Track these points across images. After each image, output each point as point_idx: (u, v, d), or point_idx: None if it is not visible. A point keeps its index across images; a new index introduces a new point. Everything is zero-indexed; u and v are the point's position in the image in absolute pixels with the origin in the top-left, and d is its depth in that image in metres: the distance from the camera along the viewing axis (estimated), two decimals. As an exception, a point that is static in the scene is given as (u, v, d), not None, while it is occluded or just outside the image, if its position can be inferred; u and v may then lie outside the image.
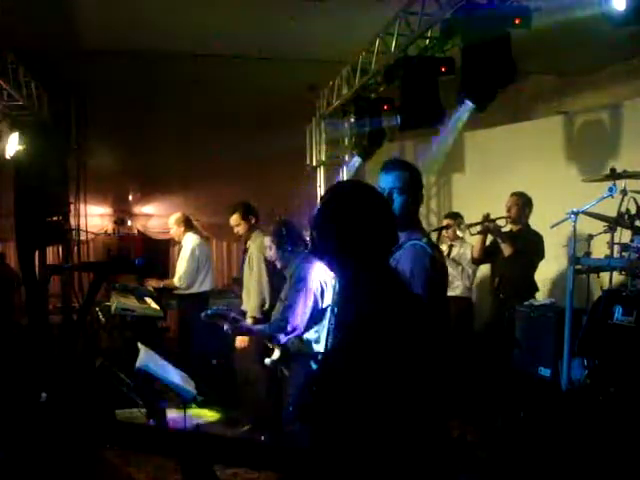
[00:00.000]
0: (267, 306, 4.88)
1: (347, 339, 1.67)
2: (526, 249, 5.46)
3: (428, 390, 1.70)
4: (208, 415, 5.29)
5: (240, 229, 5.19)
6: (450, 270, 5.95)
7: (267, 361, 3.95)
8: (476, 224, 5.81)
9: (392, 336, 1.65)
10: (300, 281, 3.82)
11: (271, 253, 4.11)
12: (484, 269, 6.49)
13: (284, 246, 3.99)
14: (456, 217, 6.14)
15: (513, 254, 5.44)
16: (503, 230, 5.66)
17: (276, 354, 3.87)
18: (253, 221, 5.16)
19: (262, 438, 4.42)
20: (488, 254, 5.77)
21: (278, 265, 4.18)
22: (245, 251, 5.26)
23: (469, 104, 4.79)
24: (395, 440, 1.59)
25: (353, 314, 1.70)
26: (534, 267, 5.55)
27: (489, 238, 5.76)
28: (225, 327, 3.84)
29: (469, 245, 6.05)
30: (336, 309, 2.18)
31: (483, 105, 4.68)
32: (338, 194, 1.87)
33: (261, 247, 4.96)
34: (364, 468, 1.54)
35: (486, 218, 5.63)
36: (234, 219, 5.20)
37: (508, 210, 5.63)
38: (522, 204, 5.60)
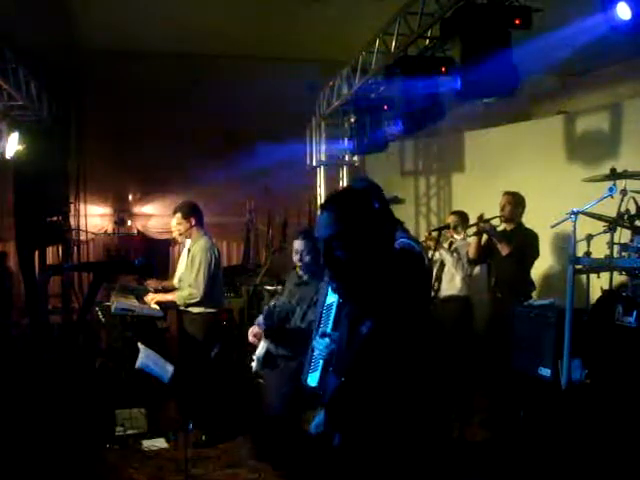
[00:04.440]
0: (196, 300, 5.04)
1: (380, 333, 1.71)
2: (521, 248, 5.49)
3: (442, 388, 1.75)
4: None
5: (181, 228, 5.26)
6: (449, 265, 5.97)
7: (258, 352, 3.95)
8: (471, 225, 5.83)
9: (422, 327, 1.73)
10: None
11: (303, 258, 3.95)
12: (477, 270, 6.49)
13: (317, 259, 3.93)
14: (461, 215, 6.16)
15: (509, 253, 5.46)
16: (498, 229, 5.68)
17: (262, 348, 3.88)
18: (193, 222, 5.21)
19: None
20: (484, 254, 5.79)
21: (301, 272, 4.03)
22: (188, 251, 5.31)
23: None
24: (418, 439, 1.63)
25: (389, 299, 1.74)
26: (530, 265, 5.58)
27: (484, 238, 5.78)
28: (257, 323, 3.87)
29: (468, 243, 6.08)
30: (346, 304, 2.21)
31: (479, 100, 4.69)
32: (352, 197, 1.91)
33: (204, 248, 5.09)
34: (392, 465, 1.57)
35: (480, 219, 5.65)
36: (176, 218, 5.27)
37: (502, 209, 5.66)
38: (515, 203, 5.64)
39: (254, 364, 3.99)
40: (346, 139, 7.69)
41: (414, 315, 1.75)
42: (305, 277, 4.04)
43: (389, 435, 1.61)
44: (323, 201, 1.91)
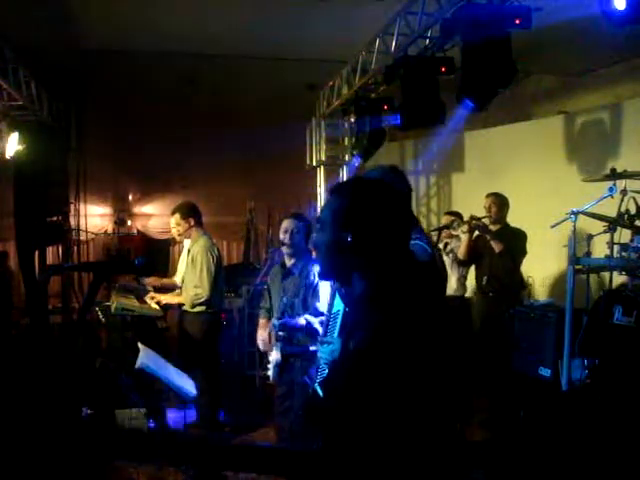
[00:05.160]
0: (203, 300, 5.02)
1: (371, 339, 1.56)
2: (509, 247, 5.51)
3: (443, 392, 1.64)
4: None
5: (180, 229, 5.26)
6: (445, 266, 5.98)
7: (272, 359, 3.90)
8: (464, 223, 5.84)
9: (419, 337, 1.58)
10: (315, 282, 3.78)
11: (292, 237, 3.92)
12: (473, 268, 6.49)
13: (307, 241, 3.93)
14: (455, 215, 6.18)
15: (501, 251, 5.49)
16: None
17: (276, 353, 3.83)
18: (192, 222, 5.21)
19: None
20: (474, 255, 5.79)
21: (286, 251, 3.97)
22: (188, 252, 5.31)
23: (469, 103, 4.77)
24: (411, 443, 1.53)
25: (378, 314, 1.60)
26: (519, 263, 5.62)
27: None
28: (273, 322, 3.85)
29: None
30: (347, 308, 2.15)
31: (482, 105, 4.68)
32: (361, 190, 1.76)
33: (205, 248, 5.08)
34: (377, 469, 1.49)
35: (472, 217, 5.67)
36: (175, 219, 5.26)
37: (488, 210, 5.68)
38: (500, 204, 5.68)
39: (270, 373, 3.93)
40: (347, 138, 7.70)
41: (411, 334, 1.53)
42: (289, 263, 4.00)
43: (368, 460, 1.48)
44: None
